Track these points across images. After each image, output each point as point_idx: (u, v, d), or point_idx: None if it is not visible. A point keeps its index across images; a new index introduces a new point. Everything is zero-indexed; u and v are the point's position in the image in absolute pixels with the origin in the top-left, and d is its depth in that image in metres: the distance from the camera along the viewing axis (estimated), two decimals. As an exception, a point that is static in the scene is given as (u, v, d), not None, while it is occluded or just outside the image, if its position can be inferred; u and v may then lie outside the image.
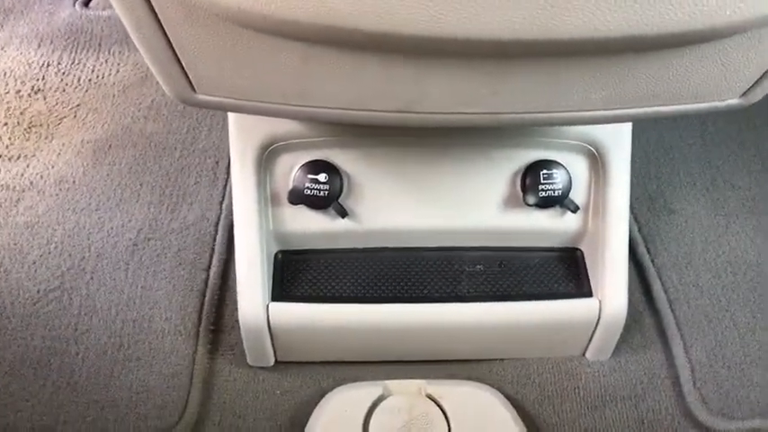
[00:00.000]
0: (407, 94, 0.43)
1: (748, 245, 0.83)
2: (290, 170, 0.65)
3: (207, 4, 0.37)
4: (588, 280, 0.69)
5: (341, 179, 0.65)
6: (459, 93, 0.43)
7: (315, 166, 0.64)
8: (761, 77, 0.46)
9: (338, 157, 0.65)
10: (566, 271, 0.70)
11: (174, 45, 0.42)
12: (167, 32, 0.41)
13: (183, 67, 0.44)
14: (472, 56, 0.39)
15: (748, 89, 0.47)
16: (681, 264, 0.80)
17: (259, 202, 0.65)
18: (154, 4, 0.39)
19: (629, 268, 0.71)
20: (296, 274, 0.68)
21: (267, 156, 0.65)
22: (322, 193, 0.64)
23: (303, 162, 0.65)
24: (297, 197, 0.65)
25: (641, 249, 0.81)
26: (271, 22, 0.36)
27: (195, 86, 0.46)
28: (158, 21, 0.40)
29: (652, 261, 0.80)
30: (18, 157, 0.89)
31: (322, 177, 0.64)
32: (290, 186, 0.65)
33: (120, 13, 0.40)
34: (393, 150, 0.66)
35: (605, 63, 0.41)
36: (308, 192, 0.64)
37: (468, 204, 0.67)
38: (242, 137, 0.64)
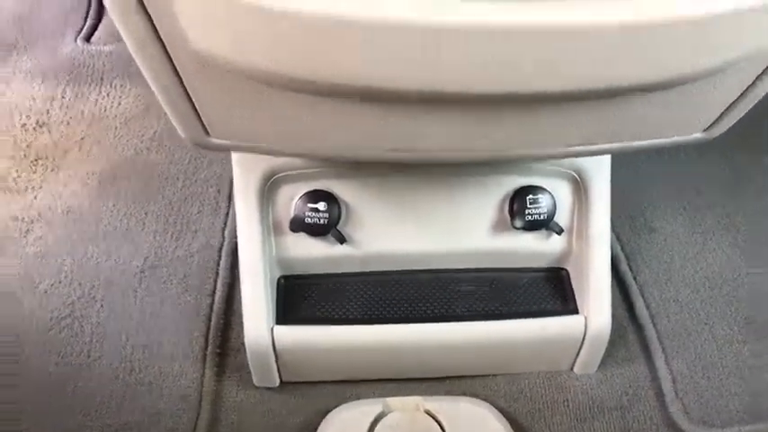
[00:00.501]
0: (405, 137, 0.47)
1: (725, 261, 0.85)
2: (290, 200, 0.68)
3: (221, 61, 0.41)
4: (574, 298, 0.72)
5: (339, 207, 0.68)
6: (453, 137, 0.46)
7: (314, 196, 0.67)
8: (721, 114, 0.49)
9: (336, 187, 0.68)
10: (553, 290, 0.73)
11: (189, 93, 0.45)
12: (184, 82, 0.44)
13: (198, 114, 0.47)
14: (465, 106, 0.43)
15: (711, 124, 0.51)
16: (661, 280, 0.83)
17: (262, 231, 0.67)
18: (173, 58, 0.42)
19: (613, 285, 0.73)
20: (299, 297, 0.71)
21: (269, 187, 0.67)
22: (321, 220, 0.67)
23: (303, 192, 0.67)
24: (298, 225, 0.67)
25: (624, 267, 0.84)
26: (281, 78, 0.40)
27: (209, 131, 0.49)
28: (176, 72, 0.44)
29: (634, 278, 0.83)
30: (26, 189, 0.90)
31: (321, 206, 0.67)
32: (292, 215, 0.68)
33: (141, 65, 0.43)
34: (388, 179, 0.69)
35: (583, 108, 0.45)
36: (309, 220, 0.67)
37: (460, 229, 0.70)
38: (245, 170, 0.67)
